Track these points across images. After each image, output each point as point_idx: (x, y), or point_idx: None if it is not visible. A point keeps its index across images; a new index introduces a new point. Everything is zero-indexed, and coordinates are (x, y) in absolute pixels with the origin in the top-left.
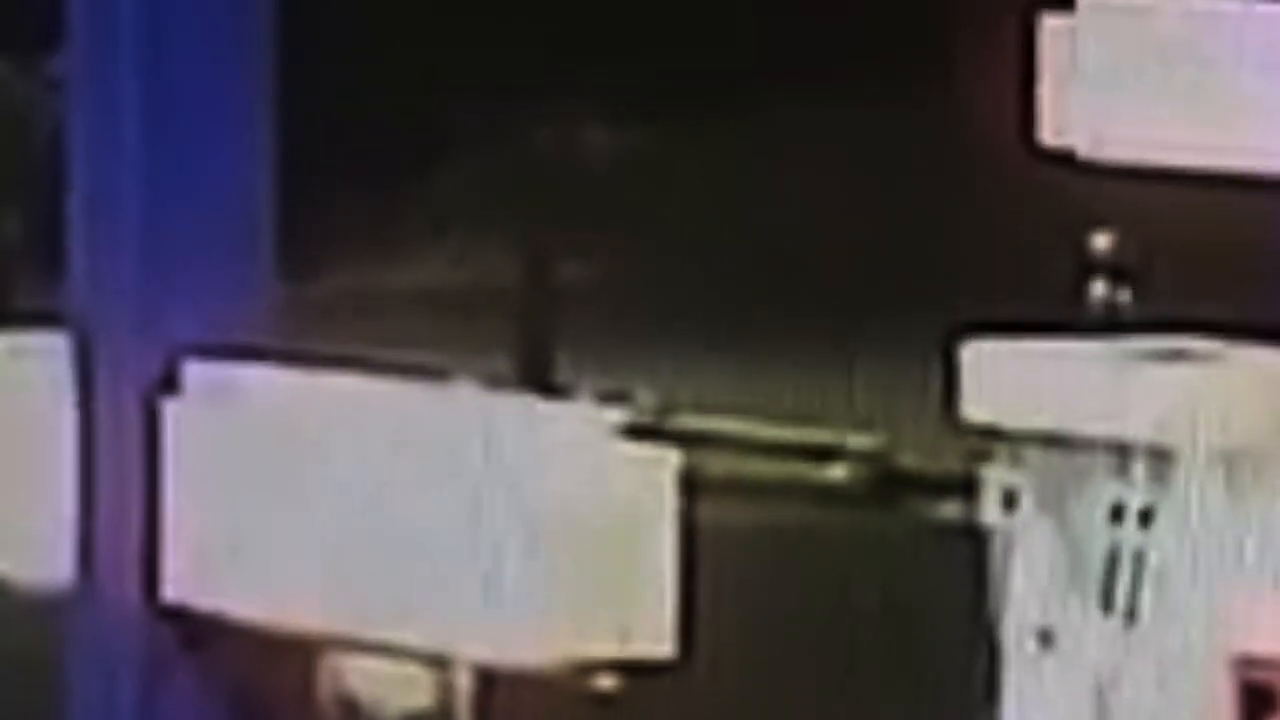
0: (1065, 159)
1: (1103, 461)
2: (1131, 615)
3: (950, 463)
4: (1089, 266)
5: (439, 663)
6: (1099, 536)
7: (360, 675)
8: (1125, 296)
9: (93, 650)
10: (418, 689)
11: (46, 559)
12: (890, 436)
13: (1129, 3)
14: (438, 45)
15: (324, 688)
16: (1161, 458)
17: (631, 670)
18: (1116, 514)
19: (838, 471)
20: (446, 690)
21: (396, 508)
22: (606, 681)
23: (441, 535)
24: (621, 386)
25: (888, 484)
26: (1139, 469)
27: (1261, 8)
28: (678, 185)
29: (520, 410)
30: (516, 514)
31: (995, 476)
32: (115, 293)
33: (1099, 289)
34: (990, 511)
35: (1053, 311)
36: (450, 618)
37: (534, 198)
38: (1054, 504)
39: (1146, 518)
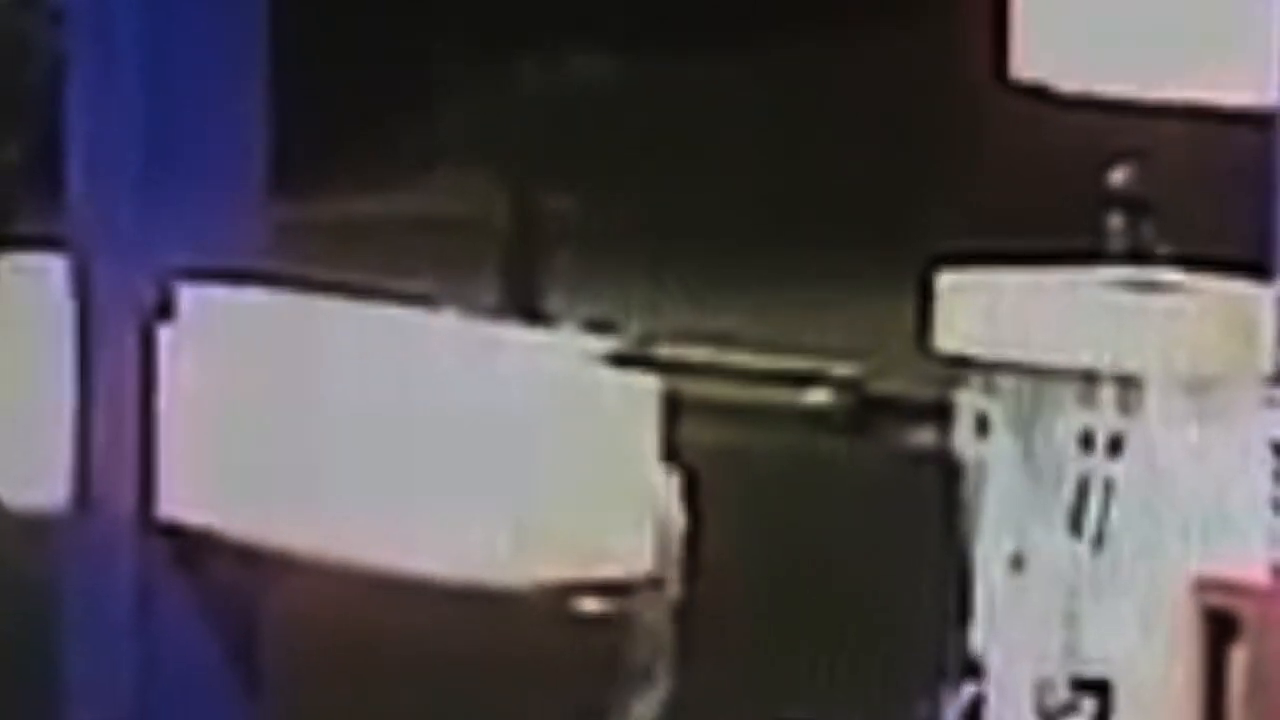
0: (1037, 92)
1: (1073, 389)
2: (1099, 540)
3: (926, 390)
4: (1107, 200)
5: None
6: (1069, 463)
7: None
8: (1147, 228)
9: (88, 568)
10: None
11: (43, 480)
12: (869, 364)
13: None
14: None
15: None
16: (1130, 386)
17: (612, 591)
18: (1086, 441)
19: (818, 397)
20: None
21: (382, 431)
22: (589, 604)
23: (424, 459)
24: (608, 316)
25: (866, 410)
26: (1107, 397)
27: None
28: (664, 118)
29: (505, 337)
30: (501, 439)
31: (968, 403)
32: (112, 218)
33: (1118, 222)
34: (963, 437)
35: (1026, 242)
36: (433, 539)
37: (523, 128)
38: (1025, 430)
39: (1115, 445)
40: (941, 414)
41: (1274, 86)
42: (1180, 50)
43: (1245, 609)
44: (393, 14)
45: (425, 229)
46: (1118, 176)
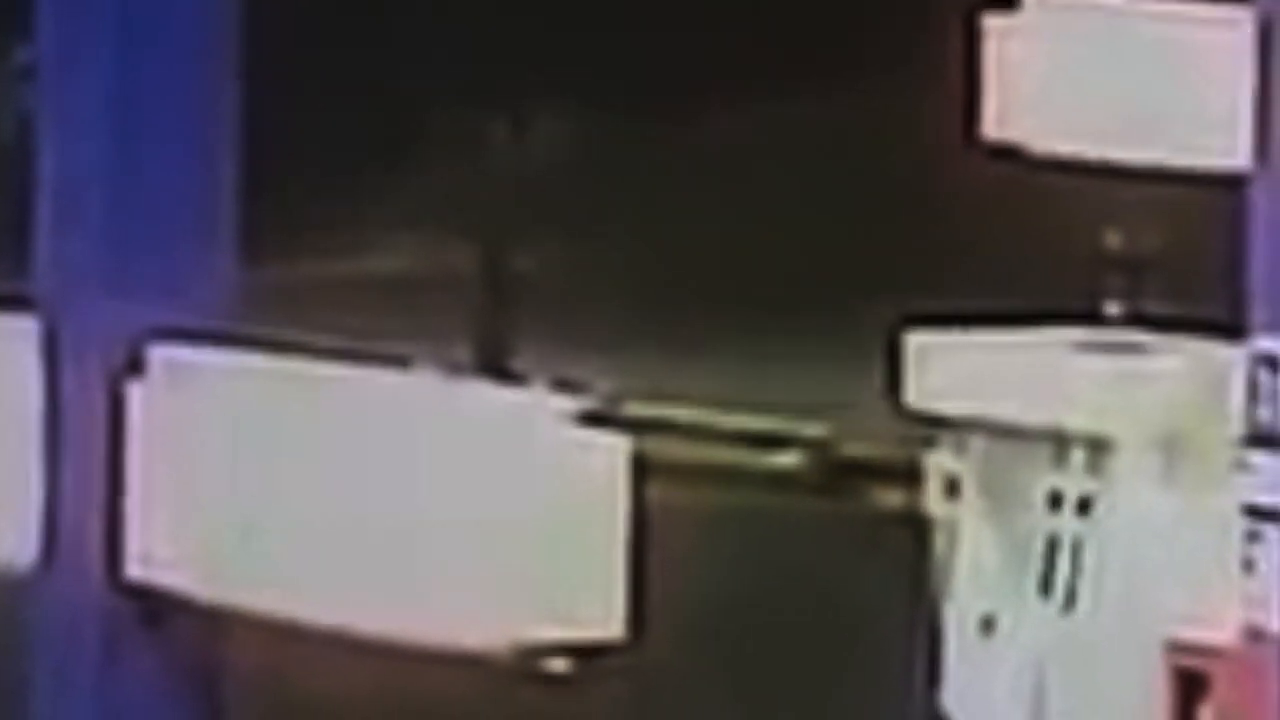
0: (1009, 153)
1: (1042, 450)
2: (1070, 601)
3: (896, 451)
4: (1105, 264)
5: None
6: (1038, 524)
7: None
8: (1145, 292)
9: (54, 626)
10: None
11: (12, 537)
12: (838, 425)
13: (1070, 1)
14: (401, 41)
15: None
16: (1099, 447)
17: (582, 653)
18: (1055, 502)
19: (787, 459)
20: None
21: (350, 491)
22: (557, 664)
23: (394, 519)
24: (578, 375)
25: (836, 471)
26: (1077, 458)
27: (1197, 7)
28: (633, 179)
29: (475, 396)
30: (470, 498)
31: (938, 464)
32: (82, 278)
33: (1117, 286)
34: (933, 499)
35: (995, 302)
36: (401, 601)
37: (493, 190)
38: (995, 492)
39: (1084, 506)
40: (911, 476)
41: (1244, 151)
42: (1152, 114)
43: (1216, 669)
44: (365, 80)
45: (396, 290)
46: (1110, 238)
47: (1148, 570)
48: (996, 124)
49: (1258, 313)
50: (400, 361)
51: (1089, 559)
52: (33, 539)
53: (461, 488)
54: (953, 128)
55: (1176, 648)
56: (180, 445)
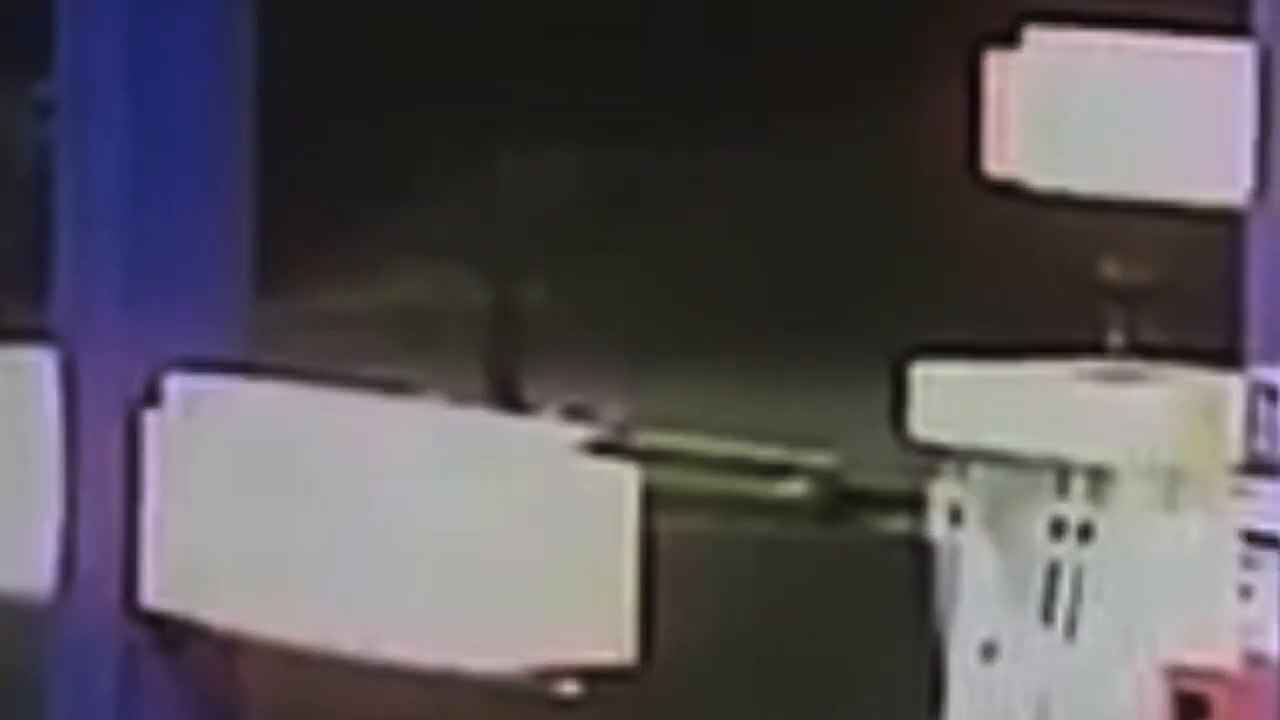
0: (1010, 189)
1: (1044, 479)
2: (1071, 627)
3: (900, 480)
4: (1105, 296)
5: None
6: (1040, 551)
7: None
8: (1131, 320)
9: (72, 654)
10: None
11: (30, 566)
12: (843, 454)
13: (1071, 40)
14: (412, 72)
15: None
16: (1100, 476)
17: (592, 676)
18: (1057, 529)
19: (793, 488)
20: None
21: (363, 518)
22: (567, 687)
23: (406, 546)
24: (586, 403)
25: (841, 500)
26: (1078, 486)
27: (1197, 44)
28: (641, 211)
29: (486, 425)
30: (481, 525)
31: (942, 493)
32: (99, 311)
33: (1116, 314)
34: (937, 527)
35: (998, 334)
36: (413, 626)
37: (503, 222)
38: (997, 519)
39: (1085, 533)
40: (915, 504)
41: (1242, 185)
42: (1152, 150)
43: (1216, 694)
44: (376, 114)
45: (409, 321)
46: (1109, 269)
47: (1148, 595)
48: (998, 159)
49: (1254, 343)
50: (412, 391)
51: (1090, 585)
52: (50, 568)
53: (472, 515)
54: (955, 163)
55: (1177, 672)
56: (196, 475)
